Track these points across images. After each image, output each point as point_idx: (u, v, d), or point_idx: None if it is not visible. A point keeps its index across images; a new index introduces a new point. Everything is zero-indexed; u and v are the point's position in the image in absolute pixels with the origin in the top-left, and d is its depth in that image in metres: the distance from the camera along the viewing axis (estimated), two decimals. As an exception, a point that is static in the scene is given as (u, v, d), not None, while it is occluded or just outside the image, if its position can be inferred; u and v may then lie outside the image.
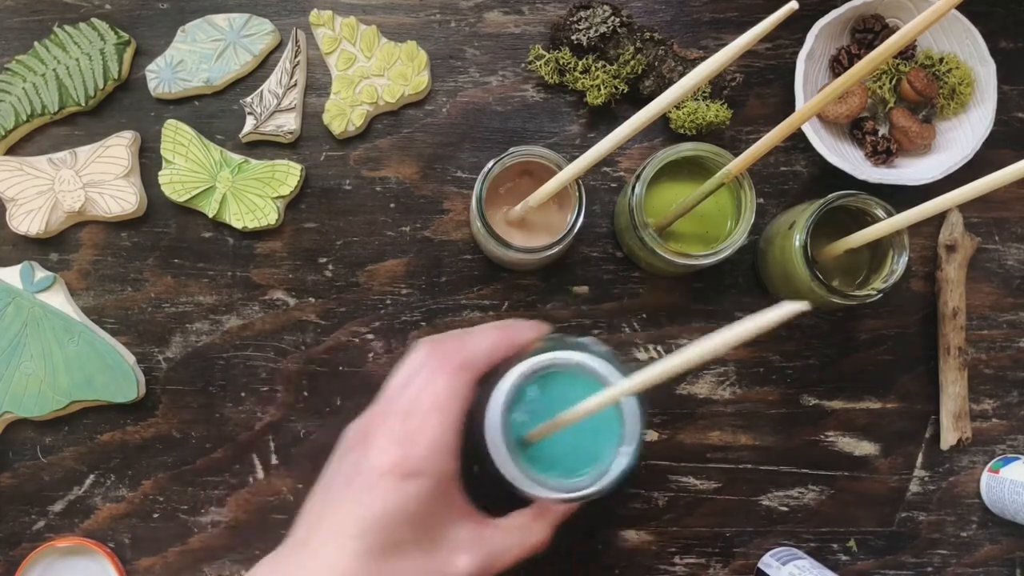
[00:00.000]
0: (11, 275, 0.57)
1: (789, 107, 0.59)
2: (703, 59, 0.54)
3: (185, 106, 0.60)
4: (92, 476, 0.58)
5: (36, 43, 0.59)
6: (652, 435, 0.59)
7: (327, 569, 0.37)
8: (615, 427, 0.43)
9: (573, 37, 0.59)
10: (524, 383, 0.42)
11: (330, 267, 0.59)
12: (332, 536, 0.38)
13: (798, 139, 0.59)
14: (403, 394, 0.41)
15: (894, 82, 0.59)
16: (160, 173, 0.58)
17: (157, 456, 0.59)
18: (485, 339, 0.42)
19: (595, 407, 0.39)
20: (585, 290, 0.60)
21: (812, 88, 0.59)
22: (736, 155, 0.49)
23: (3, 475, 0.58)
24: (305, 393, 0.59)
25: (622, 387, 0.38)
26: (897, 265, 0.52)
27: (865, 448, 0.60)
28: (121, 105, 0.60)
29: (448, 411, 0.39)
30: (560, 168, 0.49)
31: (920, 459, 0.60)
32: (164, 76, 0.59)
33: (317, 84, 0.60)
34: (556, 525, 0.43)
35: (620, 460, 0.42)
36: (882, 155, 0.58)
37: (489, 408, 0.42)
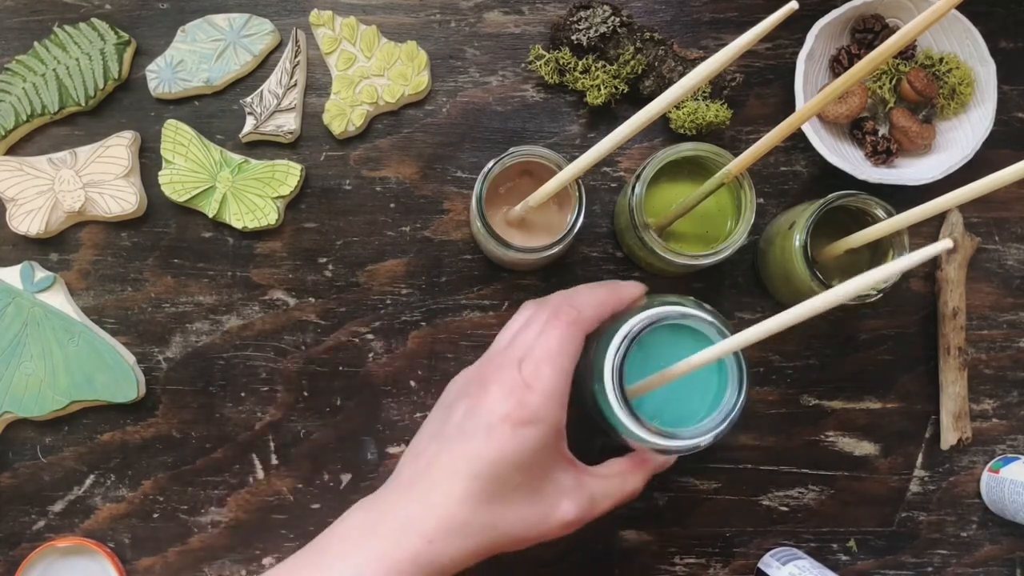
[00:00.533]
0: (11, 275, 0.57)
1: (789, 107, 0.59)
2: (703, 59, 0.54)
3: (185, 106, 0.60)
4: (92, 476, 0.58)
5: (36, 43, 0.59)
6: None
7: (433, 510, 0.38)
8: (711, 387, 0.47)
9: (573, 37, 0.59)
10: (640, 334, 0.45)
11: (330, 267, 0.59)
12: (444, 477, 0.38)
13: (798, 139, 0.59)
14: (514, 344, 0.42)
15: (894, 82, 0.59)
16: (160, 173, 0.58)
17: (157, 456, 0.59)
18: (594, 296, 0.44)
19: (705, 361, 0.42)
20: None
21: (812, 88, 0.59)
22: (736, 155, 0.49)
23: (3, 475, 0.58)
24: (305, 393, 0.59)
25: (734, 341, 0.41)
26: (897, 265, 0.52)
27: (865, 448, 0.60)
28: (121, 105, 0.60)
29: (561, 362, 0.41)
30: (560, 168, 0.49)
31: (920, 459, 0.60)
32: (164, 76, 0.59)
33: (317, 84, 0.60)
34: (649, 477, 0.46)
35: (723, 414, 0.46)
36: (882, 155, 0.58)
37: (606, 357, 0.45)
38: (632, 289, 0.46)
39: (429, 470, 0.40)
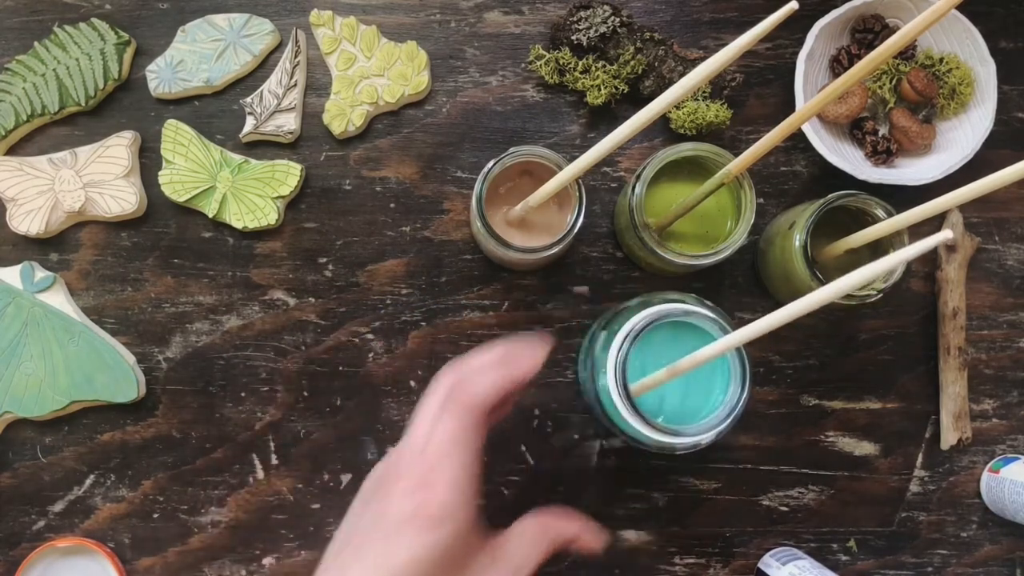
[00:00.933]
0: (11, 275, 0.57)
1: (789, 107, 0.59)
2: (703, 59, 0.54)
3: (185, 106, 0.60)
4: (92, 476, 0.58)
5: (36, 43, 0.59)
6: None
7: None
8: (713, 385, 0.48)
9: (573, 37, 0.59)
10: (643, 332, 0.46)
11: (330, 267, 0.59)
12: None
13: (798, 139, 0.59)
14: (415, 438, 0.40)
15: (894, 82, 0.59)
16: (160, 173, 0.58)
17: (157, 456, 0.59)
18: (487, 379, 0.41)
19: (708, 356, 0.43)
20: (585, 290, 0.60)
21: (812, 88, 0.59)
22: (736, 155, 0.49)
23: (3, 475, 0.58)
24: (305, 393, 0.59)
25: (737, 336, 0.41)
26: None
27: (865, 448, 0.60)
28: (121, 105, 0.60)
29: (459, 456, 0.39)
30: (560, 168, 0.49)
31: (920, 459, 0.60)
32: (164, 76, 0.59)
33: (317, 84, 0.60)
34: (558, 544, 0.43)
35: (726, 410, 0.46)
36: (882, 155, 0.58)
37: (608, 355, 0.45)
38: (529, 363, 0.42)
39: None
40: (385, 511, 0.38)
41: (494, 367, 0.41)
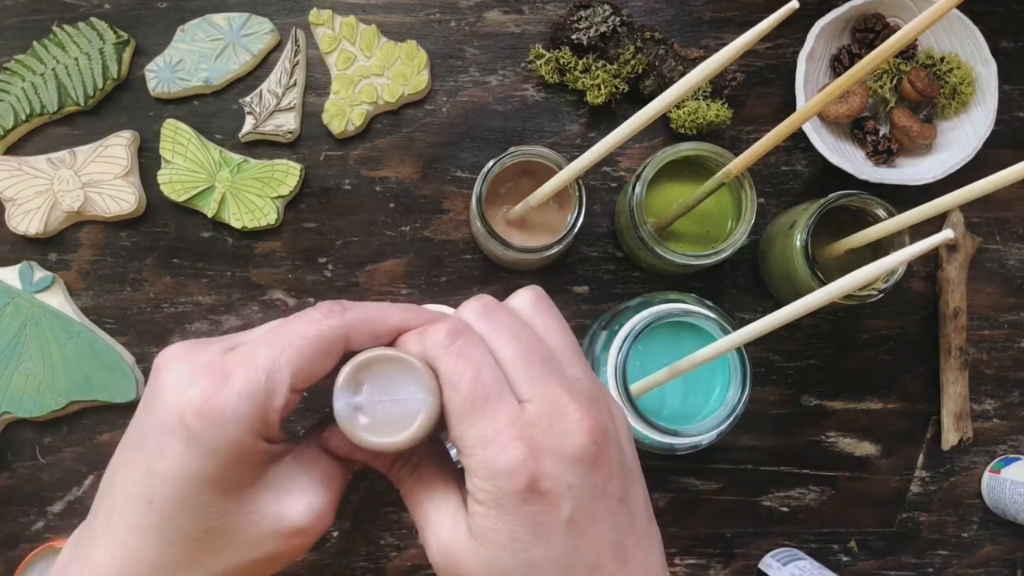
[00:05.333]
0: (10, 275, 0.57)
1: (790, 107, 0.59)
2: (703, 58, 0.54)
3: (184, 105, 0.60)
4: (91, 477, 0.58)
5: (35, 43, 0.59)
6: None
7: (112, 558, 0.29)
8: (713, 385, 0.48)
9: (573, 36, 0.58)
10: (643, 332, 0.46)
11: (330, 267, 0.59)
12: (119, 507, 0.29)
13: (799, 139, 0.59)
14: (250, 330, 0.32)
15: (895, 82, 0.59)
16: (159, 173, 0.58)
17: (156, 456, 0.58)
18: (381, 307, 0.32)
19: (709, 356, 0.43)
20: (585, 290, 0.59)
21: (813, 88, 0.59)
22: (736, 155, 0.49)
23: (2, 475, 0.58)
24: (305, 393, 0.59)
25: (738, 335, 0.41)
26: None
27: (866, 448, 0.60)
28: (120, 105, 0.60)
29: (288, 353, 0.30)
30: (560, 168, 0.49)
31: (921, 459, 0.60)
32: (163, 75, 0.59)
33: (317, 84, 0.60)
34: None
35: (727, 410, 0.47)
36: (883, 155, 0.58)
37: (609, 355, 0.45)
38: (430, 315, 0.32)
39: (109, 493, 0.30)
40: (158, 400, 0.30)
41: (401, 307, 0.32)
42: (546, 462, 0.28)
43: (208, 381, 0.29)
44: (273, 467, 0.31)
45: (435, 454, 0.33)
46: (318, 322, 0.30)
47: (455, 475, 0.32)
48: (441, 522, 0.30)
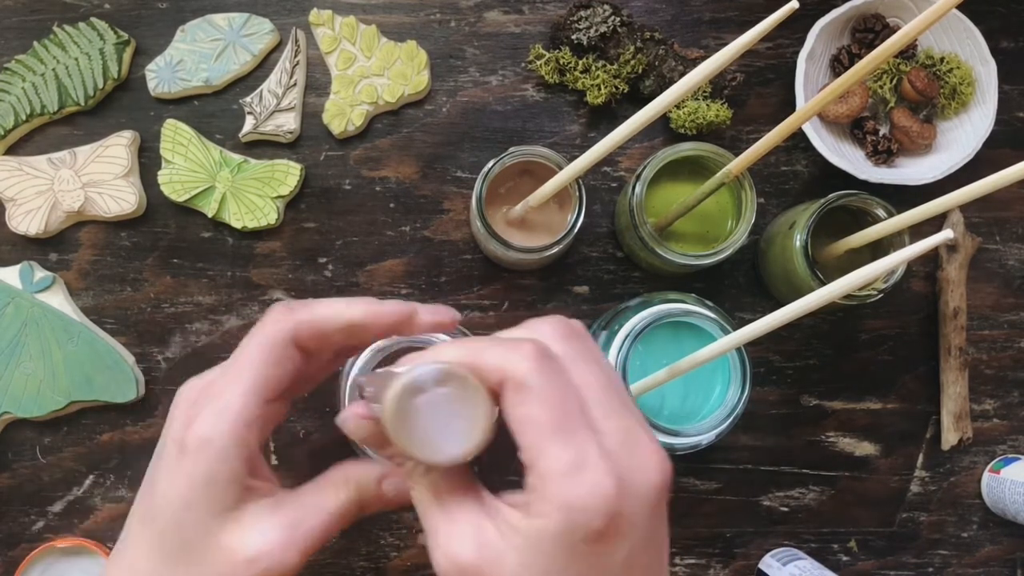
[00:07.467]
0: (10, 275, 0.57)
1: (789, 107, 0.59)
2: (703, 58, 0.54)
3: (184, 106, 0.60)
4: (91, 476, 0.58)
5: (36, 43, 0.59)
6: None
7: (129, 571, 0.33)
8: (713, 385, 0.48)
9: (573, 36, 0.59)
10: (643, 332, 0.45)
11: (330, 267, 0.59)
12: (133, 531, 0.33)
13: (799, 139, 0.59)
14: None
15: (895, 82, 0.59)
16: (159, 173, 0.58)
17: (157, 456, 0.58)
18: (332, 304, 0.34)
19: (710, 356, 0.43)
20: (585, 290, 0.59)
21: (813, 88, 0.59)
22: (736, 155, 0.49)
23: (2, 475, 0.58)
24: (305, 393, 0.59)
25: (739, 335, 0.41)
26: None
27: (866, 448, 0.60)
28: (120, 105, 0.60)
29: (249, 375, 0.32)
30: (560, 168, 0.49)
31: (921, 459, 0.60)
32: (164, 76, 0.59)
33: (317, 84, 0.60)
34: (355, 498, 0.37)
35: (727, 410, 0.47)
36: (883, 155, 0.58)
37: (608, 356, 0.45)
38: (394, 308, 0.34)
39: (131, 518, 0.34)
40: (166, 429, 0.33)
41: (358, 301, 0.34)
42: (628, 502, 0.27)
43: (191, 412, 0.32)
44: (251, 503, 0.33)
45: None
46: (263, 328, 0.33)
47: (473, 484, 0.31)
48: (456, 533, 0.29)
